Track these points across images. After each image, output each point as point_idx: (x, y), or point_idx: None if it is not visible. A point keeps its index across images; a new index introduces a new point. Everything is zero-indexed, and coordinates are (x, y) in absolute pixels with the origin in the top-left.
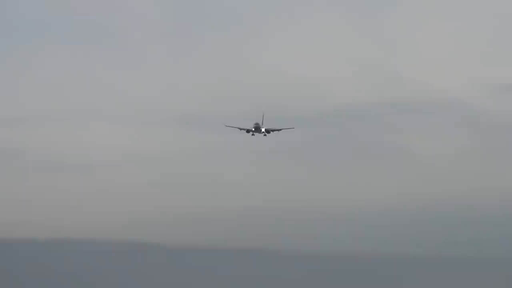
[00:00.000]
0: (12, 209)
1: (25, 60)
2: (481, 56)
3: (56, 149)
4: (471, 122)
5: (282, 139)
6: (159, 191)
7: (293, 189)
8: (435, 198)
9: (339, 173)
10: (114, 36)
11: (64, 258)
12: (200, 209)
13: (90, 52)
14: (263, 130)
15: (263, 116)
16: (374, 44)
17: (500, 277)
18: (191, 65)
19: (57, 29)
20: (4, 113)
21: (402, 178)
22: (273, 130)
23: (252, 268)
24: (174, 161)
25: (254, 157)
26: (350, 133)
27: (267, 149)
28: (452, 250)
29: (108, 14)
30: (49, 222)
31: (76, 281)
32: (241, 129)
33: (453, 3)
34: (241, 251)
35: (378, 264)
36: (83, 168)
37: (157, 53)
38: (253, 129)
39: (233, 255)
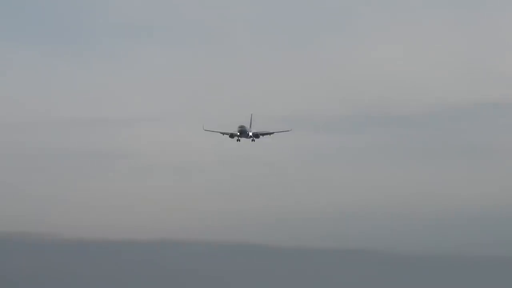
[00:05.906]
0: (107, 210)
1: (120, 61)
2: None
3: (149, 150)
4: None
5: (384, 138)
6: (261, 192)
7: (393, 190)
8: None
9: (443, 172)
10: (217, 37)
11: (166, 258)
12: (300, 209)
13: (192, 52)
14: (250, 134)
15: (251, 118)
16: (480, 42)
17: None
18: (289, 66)
19: (154, 31)
20: (103, 114)
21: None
22: (263, 134)
23: (349, 269)
24: (276, 162)
25: (357, 157)
26: (454, 133)
27: (367, 149)
28: None
29: (212, 15)
30: (146, 223)
31: (179, 282)
32: (223, 133)
33: None
34: (339, 252)
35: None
36: (178, 169)
37: (257, 54)
38: (238, 134)
39: (333, 256)
